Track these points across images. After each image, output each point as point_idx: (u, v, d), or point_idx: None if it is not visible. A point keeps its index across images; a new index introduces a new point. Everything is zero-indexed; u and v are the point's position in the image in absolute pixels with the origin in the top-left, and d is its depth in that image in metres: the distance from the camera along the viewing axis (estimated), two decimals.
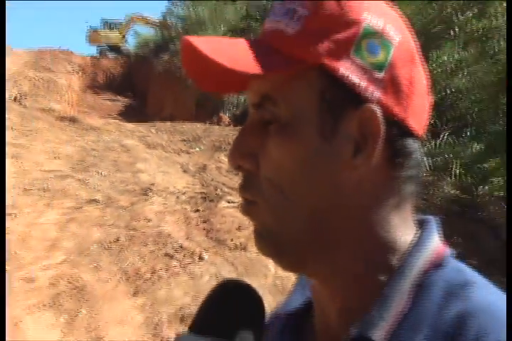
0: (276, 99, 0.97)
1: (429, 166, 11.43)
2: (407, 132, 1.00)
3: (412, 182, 1.02)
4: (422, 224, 1.06)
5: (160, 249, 9.50)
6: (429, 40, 14.43)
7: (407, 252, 1.00)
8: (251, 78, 1.00)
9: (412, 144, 1.01)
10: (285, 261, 1.03)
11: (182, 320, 7.46)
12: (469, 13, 12.90)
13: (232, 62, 0.93)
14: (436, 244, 1.03)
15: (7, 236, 9.89)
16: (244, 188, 1.02)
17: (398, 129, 0.98)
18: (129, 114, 19.44)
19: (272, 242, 1.01)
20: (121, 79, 24.10)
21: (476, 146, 10.87)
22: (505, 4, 11.98)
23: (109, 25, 38.72)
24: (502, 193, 10.06)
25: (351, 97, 0.95)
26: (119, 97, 19.28)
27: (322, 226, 0.99)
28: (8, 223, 10.38)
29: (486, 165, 10.43)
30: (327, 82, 0.96)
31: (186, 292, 8.20)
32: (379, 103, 0.96)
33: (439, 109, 13.22)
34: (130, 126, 16.49)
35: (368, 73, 0.96)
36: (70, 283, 8.65)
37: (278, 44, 0.98)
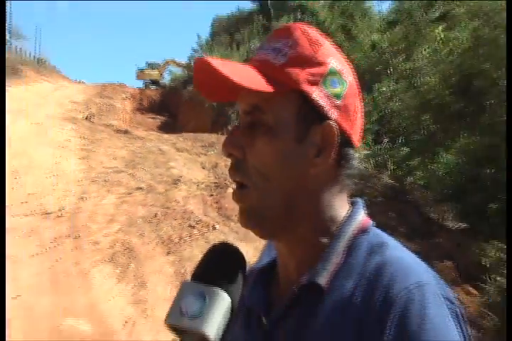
0: (264, 109, 1.00)
1: (374, 163, 11.46)
2: (350, 143, 1.05)
3: (349, 178, 1.06)
4: (352, 204, 1.09)
5: (185, 221, 9.51)
6: (373, 76, 14.44)
7: (342, 223, 1.04)
8: (247, 92, 1.00)
9: (352, 152, 1.06)
10: (263, 231, 1.04)
11: None
12: (400, 58, 12.88)
13: (243, 80, 0.96)
14: (362, 217, 1.06)
15: (80, 214, 9.89)
16: (234, 171, 1.03)
17: (345, 141, 1.03)
18: (165, 128, 19.48)
19: (255, 217, 1.02)
20: (160, 103, 24.14)
21: (405, 150, 10.90)
22: (427, 50, 11.99)
23: (151, 66, 38.68)
24: (422, 182, 10.08)
25: (318, 115, 1.00)
26: (158, 116, 19.27)
27: (291, 203, 1.01)
28: (81, 204, 10.40)
29: (411, 163, 10.45)
30: (303, 101, 1.00)
31: (202, 251, 8.17)
32: (336, 121, 1.01)
33: (380, 123, 13.26)
34: (165, 136, 16.48)
35: (331, 100, 1.01)
36: (122, 245, 8.65)
37: (267, 71, 1.00)
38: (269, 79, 0.98)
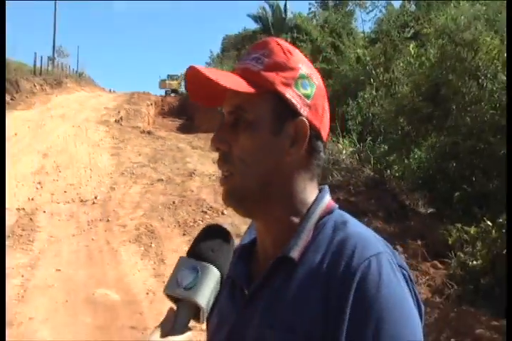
0: (246, 108, 1.00)
1: (358, 158, 11.42)
2: (319, 137, 1.04)
3: (318, 167, 1.06)
4: (320, 190, 1.08)
5: (198, 208, 9.51)
6: (357, 85, 14.38)
7: (311, 205, 1.03)
8: (231, 95, 1.00)
9: (320, 145, 1.05)
10: (242, 209, 1.04)
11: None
12: (379, 70, 12.83)
13: (230, 84, 0.97)
14: (327, 200, 1.06)
15: (111, 202, 9.91)
16: (222, 162, 1.02)
17: (315, 135, 1.03)
18: (183, 129, 19.43)
19: (236, 196, 1.02)
20: (178, 108, 24.07)
21: (384, 147, 10.87)
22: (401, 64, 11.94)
23: (171, 77, 38.78)
24: (398, 174, 10.06)
25: (291, 112, 1.00)
26: (177, 119, 19.26)
27: (267, 185, 1.01)
28: (111, 193, 10.42)
29: (389, 158, 10.43)
30: (278, 101, 1.00)
31: None
32: (307, 118, 1.01)
33: (363, 125, 13.21)
34: (182, 136, 16.45)
35: (302, 99, 1.01)
36: (146, 227, 8.67)
37: (248, 76, 1.00)
38: (250, 83, 0.99)
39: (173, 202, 9.82)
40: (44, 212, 9.22)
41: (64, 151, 13.13)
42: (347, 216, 1.03)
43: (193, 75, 1.01)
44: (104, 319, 5.87)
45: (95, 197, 10.07)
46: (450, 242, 6.39)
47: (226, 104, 1.03)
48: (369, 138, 12.12)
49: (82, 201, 9.92)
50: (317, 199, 1.04)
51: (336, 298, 0.90)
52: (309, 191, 1.05)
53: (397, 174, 10.15)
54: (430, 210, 8.74)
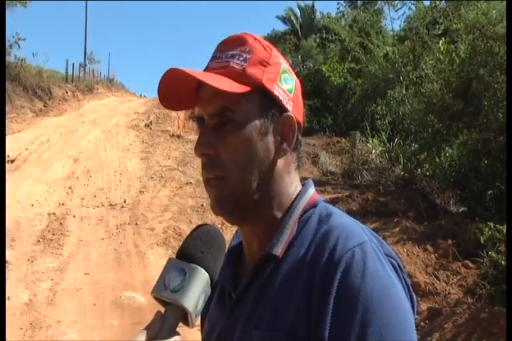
0: (234, 109, 0.95)
1: (388, 158, 11.33)
2: (300, 130, 1.02)
3: (299, 159, 1.04)
4: (304, 184, 1.06)
5: None
6: (387, 84, 14.26)
7: (294, 199, 1.01)
8: (212, 96, 0.95)
9: (301, 138, 1.04)
10: (235, 214, 0.99)
11: None
12: (409, 68, 12.68)
13: (224, 86, 0.93)
14: (311, 193, 1.03)
15: (140, 205, 9.98)
16: (210, 168, 0.97)
17: (299, 128, 1.01)
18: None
19: (231, 201, 0.97)
20: None
21: (414, 146, 10.75)
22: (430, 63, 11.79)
23: None
24: (429, 173, 9.93)
25: (279, 108, 0.99)
26: None
27: (263, 186, 0.98)
28: (140, 197, 10.50)
29: (419, 157, 10.30)
30: (264, 98, 0.97)
31: None
32: (292, 112, 1.00)
33: (393, 123, 13.10)
34: None
35: (286, 94, 0.99)
36: (174, 230, 8.70)
37: (231, 75, 0.96)
38: (236, 81, 0.95)
39: (202, 205, 9.84)
40: (74, 216, 9.32)
41: (94, 156, 13.28)
42: (332, 208, 1.00)
43: (170, 77, 0.97)
44: (132, 322, 5.89)
45: (124, 201, 10.15)
46: (482, 241, 6.25)
47: (207, 107, 0.98)
48: (399, 137, 12.02)
49: (111, 205, 10.01)
50: (300, 193, 1.02)
51: (319, 290, 0.87)
52: (294, 185, 1.02)
53: (427, 173, 10.02)
54: (461, 209, 8.60)
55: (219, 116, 0.96)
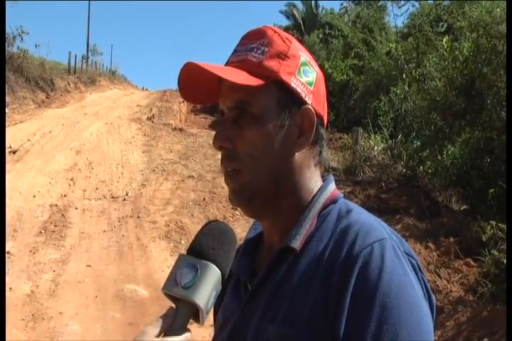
0: (250, 102, 0.95)
1: (390, 155, 11.30)
2: (322, 124, 1.02)
3: (322, 155, 1.03)
4: (325, 179, 1.06)
5: (228, 204, 9.46)
6: (390, 81, 14.21)
7: (315, 194, 1.01)
8: (231, 89, 0.96)
9: (323, 132, 1.03)
10: (253, 207, 1.00)
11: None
12: (412, 65, 12.63)
13: (240, 80, 0.93)
14: (332, 189, 1.03)
15: (142, 198, 9.96)
16: (227, 161, 0.98)
17: (320, 122, 1.01)
18: (215, 126, 19.51)
19: (246, 194, 0.98)
20: (211, 105, 24.10)
21: (416, 143, 10.72)
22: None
23: None
24: (431, 171, 9.90)
25: (297, 101, 0.97)
26: (209, 116, 19.24)
27: (279, 179, 0.98)
28: (142, 190, 10.47)
29: (421, 154, 10.27)
30: (282, 91, 0.96)
31: (243, 230, 8.17)
32: (311, 105, 0.98)
33: (395, 121, 13.06)
34: (213, 132, 16.48)
35: (306, 87, 0.98)
36: (176, 224, 8.68)
37: (248, 68, 0.96)
38: (253, 75, 0.95)
39: (204, 199, 9.82)
40: (76, 208, 9.30)
41: (96, 148, 13.25)
42: (352, 204, 1.01)
43: (188, 72, 0.97)
44: (133, 314, 5.90)
45: (126, 194, 10.13)
46: (484, 239, 6.24)
47: (225, 100, 0.99)
48: (401, 135, 11.98)
49: (113, 197, 9.99)
50: (321, 188, 1.02)
51: (336, 286, 0.86)
52: (315, 180, 1.02)
53: (429, 170, 10.00)
54: (463, 207, 8.58)
55: (236, 110, 0.97)
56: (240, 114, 0.97)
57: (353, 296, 0.84)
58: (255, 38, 1.00)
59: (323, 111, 1.02)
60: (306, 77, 0.99)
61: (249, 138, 0.96)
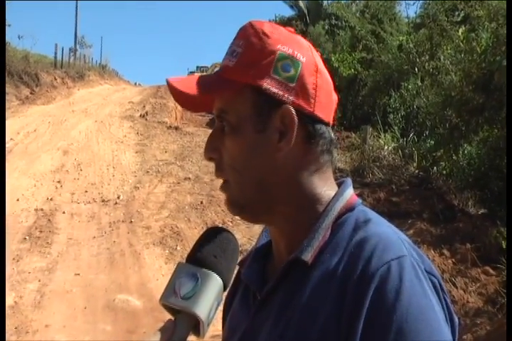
0: (227, 110, 0.98)
1: (401, 155, 11.29)
2: (316, 120, 0.99)
3: (326, 154, 1.01)
4: (342, 184, 1.04)
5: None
6: (401, 75, 14.21)
7: (329, 202, 0.99)
8: (217, 98, 1.00)
9: (322, 128, 1.00)
10: (245, 216, 1.03)
11: (240, 252, 7.52)
12: (425, 58, 12.63)
13: (189, 89, 0.96)
14: (349, 195, 1.01)
15: (134, 202, 9.96)
16: (217, 172, 1.02)
17: (309, 119, 0.98)
18: (212, 124, 19.56)
19: (236, 205, 1.01)
20: None
21: (430, 142, 10.72)
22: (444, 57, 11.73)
23: (200, 69, 39.13)
24: (446, 172, 9.90)
25: (273, 102, 0.96)
26: (207, 114, 19.27)
27: (266, 190, 0.98)
28: (135, 193, 10.49)
29: (435, 154, 10.27)
30: (257, 94, 0.96)
31: (244, 235, 8.21)
32: (292, 104, 0.96)
33: (407, 118, 13.07)
34: (211, 131, 16.54)
35: (283, 85, 0.96)
36: (171, 229, 8.70)
37: (225, 75, 0.99)
38: (226, 81, 0.97)
39: (201, 202, 9.83)
40: (63, 212, 9.31)
41: (86, 148, 13.27)
42: (371, 213, 0.99)
43: (173, 88, 1.00)
44: (126, 327, 5.89)
45: (118, 197, 10.14)
46: (504, 246, 6.22)
47: (213, 109, 1.02)
48: (413, 133, 11.98)
49: (104, 201, 9.99)
50: (337, 195, 1.00)
51: (350, 306, 0.85)
52: (320, 185, 1.00)
53: (444, 171, 9.99)
54: (481, 211, 8.56)
55: (219, 119, 1.00)
56: (223, 123, 0.99)
57: (366, 320, 0.83)
58: (237, 38, 1.01)
59: (316, 104, 0.99)
60: (286, 73, 0.97)
61: (229, 149, 0.98)
